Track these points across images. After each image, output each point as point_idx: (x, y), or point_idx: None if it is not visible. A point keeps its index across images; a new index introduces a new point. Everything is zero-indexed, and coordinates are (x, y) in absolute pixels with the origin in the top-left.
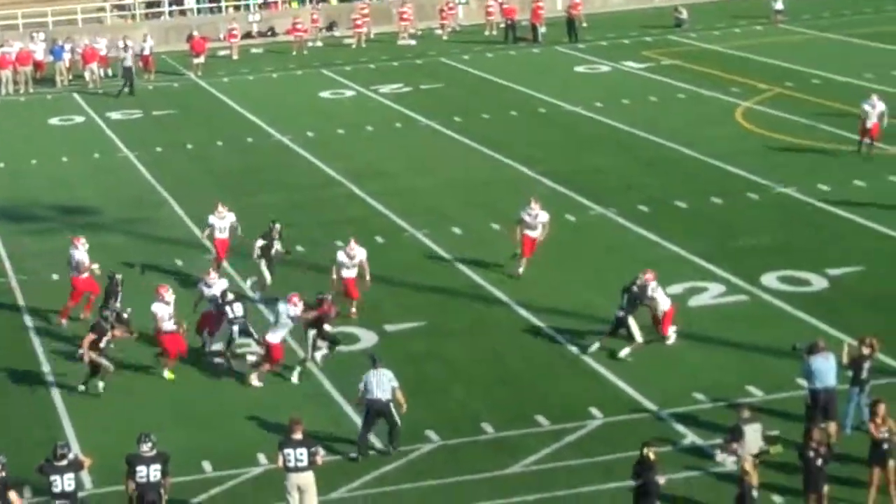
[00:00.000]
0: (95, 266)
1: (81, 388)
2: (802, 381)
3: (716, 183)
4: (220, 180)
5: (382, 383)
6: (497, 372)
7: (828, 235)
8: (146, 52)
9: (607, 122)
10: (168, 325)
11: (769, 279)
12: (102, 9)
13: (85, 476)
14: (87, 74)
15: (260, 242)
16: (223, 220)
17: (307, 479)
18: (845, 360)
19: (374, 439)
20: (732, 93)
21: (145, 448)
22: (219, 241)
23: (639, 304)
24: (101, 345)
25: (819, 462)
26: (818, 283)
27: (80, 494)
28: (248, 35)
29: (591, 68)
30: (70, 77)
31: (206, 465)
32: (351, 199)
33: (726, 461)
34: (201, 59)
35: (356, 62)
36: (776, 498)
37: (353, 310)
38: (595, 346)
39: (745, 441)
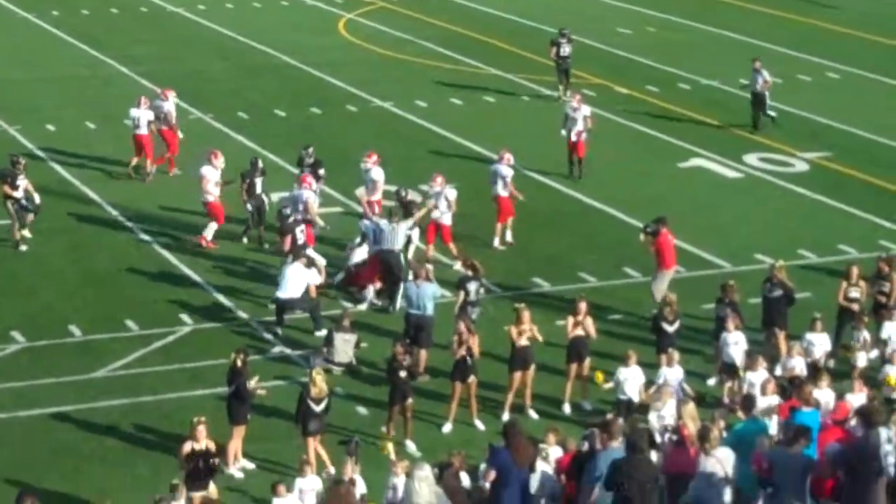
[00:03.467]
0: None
1: None
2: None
3: (316, 93)
4: None
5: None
6: (87, 274)
7: (422, 151)
8: None
9: (210, 25)
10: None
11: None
12: None
13: None
14: None
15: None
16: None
17: None
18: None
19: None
20: (336, 3)
21: None
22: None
23: None
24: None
25: (402, 374)
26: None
27: None
28: None
29: None
30: None
31: None
32: None
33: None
34: None
35: None
36: (361, 409)
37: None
38: None
39: (335, 348)
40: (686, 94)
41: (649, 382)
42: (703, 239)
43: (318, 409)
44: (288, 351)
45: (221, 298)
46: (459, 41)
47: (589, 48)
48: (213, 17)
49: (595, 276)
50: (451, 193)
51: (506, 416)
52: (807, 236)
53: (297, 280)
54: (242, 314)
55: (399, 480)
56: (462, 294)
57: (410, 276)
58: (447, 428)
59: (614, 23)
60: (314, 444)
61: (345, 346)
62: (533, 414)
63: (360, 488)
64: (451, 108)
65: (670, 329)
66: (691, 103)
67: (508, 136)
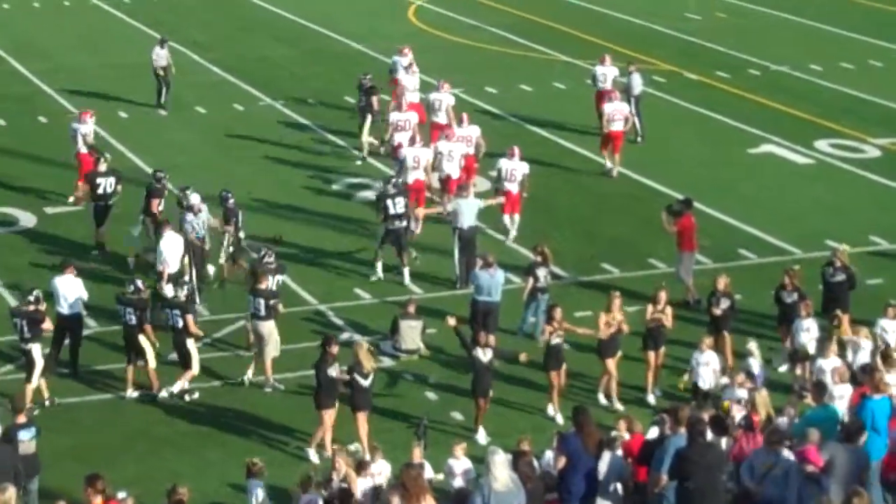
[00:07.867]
0: None
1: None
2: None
3: (386, 80)
4: None
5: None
6: None
7: (492, 138)
8: None
9: (276, 11)
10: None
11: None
12: None
13: None
14: None
15: None
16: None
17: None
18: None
19: None
20: None
21: None
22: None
23: None
24: None
25: (485, 361)
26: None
27: None
28: None
29: None
30: None
31: None
32: (13, 76)
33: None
34: None
35: None
36: (430, 394)
37: None
38: None
39: (401, 335)
40: (756, 79)
41: (722, 369)
42: (773, 225)
43: (366, 383)
44: (357, 337)
45: (292, 284)
46: (529, 28)
47: (658, 34)
48: (283, 3)
49: (665, 263)
50: (475, 129)
51: (602, 400)
52: (878, 222)
53: (174, 250)
54: (312, 300)
55: (458, 463)
56: (531, 280)
57: (480, 264)
58: (554, 414)
59: (683, 8)
60: (362, 420)
61: (411, 333)
62: (602, 399)
63: (430, 472)
64: (520, 94)
65: (717, 311)
66: (761, 89)
67: (577, 122)
